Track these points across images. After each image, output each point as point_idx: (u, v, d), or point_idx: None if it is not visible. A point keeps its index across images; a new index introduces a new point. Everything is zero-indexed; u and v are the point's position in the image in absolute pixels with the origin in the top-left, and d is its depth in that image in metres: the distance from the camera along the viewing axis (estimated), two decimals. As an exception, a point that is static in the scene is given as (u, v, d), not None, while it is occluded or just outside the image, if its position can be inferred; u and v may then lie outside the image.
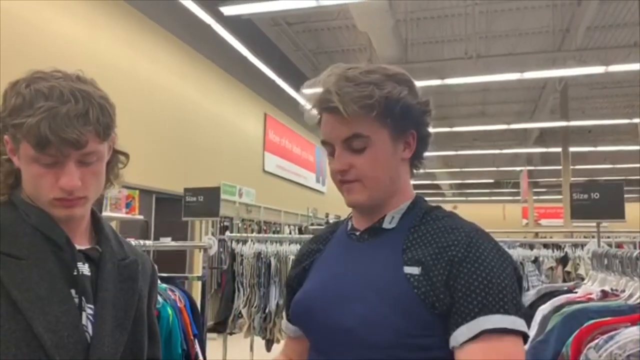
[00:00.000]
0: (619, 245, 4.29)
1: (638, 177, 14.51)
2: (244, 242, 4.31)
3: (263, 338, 4.14)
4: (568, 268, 4.30)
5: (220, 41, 6.66)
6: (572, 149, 12.64)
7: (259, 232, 8.88)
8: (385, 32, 7.81)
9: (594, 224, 3.19)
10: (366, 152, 0.96)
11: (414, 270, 0.90)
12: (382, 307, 0.89)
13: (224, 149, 8.60)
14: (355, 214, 1.07)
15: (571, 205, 3.12)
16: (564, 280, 4.09)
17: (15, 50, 4.53)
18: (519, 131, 14.71)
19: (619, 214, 3.00)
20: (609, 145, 14.72)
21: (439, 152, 15.26)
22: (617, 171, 17.51)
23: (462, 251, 0.90)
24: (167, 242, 3.46)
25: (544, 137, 15.21)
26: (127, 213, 4.55)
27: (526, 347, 1.50)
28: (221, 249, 6.09)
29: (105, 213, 4.23)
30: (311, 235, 1.24)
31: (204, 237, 3.64)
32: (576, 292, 1.89)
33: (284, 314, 1.20)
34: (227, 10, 5.82)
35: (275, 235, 7.81)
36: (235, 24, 6.59)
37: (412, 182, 1.08)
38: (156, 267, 1.19)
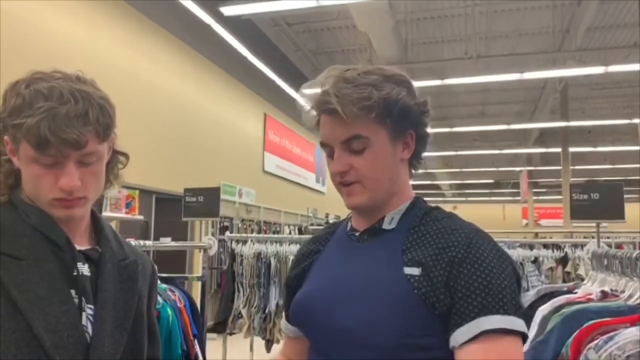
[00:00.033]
0: (619, 246, 4.29)
1: (638, 178, 14.51)
2: (244, 242, 4.31)
3: (263, 338, 4.14)
4: (568, 268, 4.30)
5: (220, 41, 6.66)
6: (572, 149, 12.64)
7: (259, 232, 8.88)
8: (385, 32, 7.81)
9: (594, 225, 3.19)
10: (365, 153, 0.97)
11: (414, 271, 0.91)
12: (382, 308, 0.89)
13: (223, 149, 8.60)
14: (355, 214, 1.07)
15: (571, 206, 3.12)
16: (564, 281, 4.09)
17: (15, 50, 4.53)
18: (519, 131, 14.71)
19: (619, 215, 3.00)
20: (608, 146, 14.73)
21: (439, 153, 15.27)
22: (617, 171, 17.52)
23: (462, 252, 0.90)
24: (167, 243, 3.46)
25: (543, 137, 15.22)
26: (127, 213, 4.56)
27: (526, 347, 1.51)
28: (221, 249, 6.09)
29: (105, 213, 4.23)
30: (311, 236, 1.24)
31: (203, 238, 3.65)
32: (576, 293, 1.89)
33: (283, 314, 1.20)
34: (227, 11, 5.82)
35: (275, 236, 7.81)
36: (235, 24, 6.59)
37: (412, 182, 1.08)
38: (156, 267, 1.19)
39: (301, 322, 1.04)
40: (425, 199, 1.07)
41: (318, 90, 0.98)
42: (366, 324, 0.89)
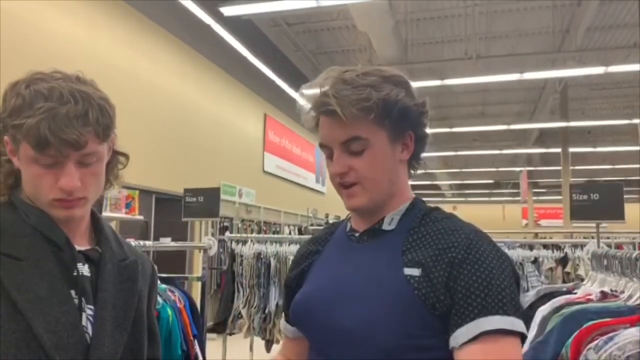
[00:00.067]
0: (619, 246, 4.29)
1: (638, 178, 14.51)
2: (244, 242, 4.31)
3: (263, 338, 4.14)
4: (568, 269, 4.30)
5: (220, 41, 6.66)
6: (571, 150, 12.64)
7: (259, 232, 8.88)
8: (385, 32, 7.82)
9: (594, 225, 3.19)
10: (365, 154, 0.97)
11: (414, 271, 0.91)
12: (382, 308, 0.89)
13: (223, 150, 8.60)
14: (354, 215, 1.07)
15: (571, 206, 3.12)
16: (564, 281, 4.09)
17: (15, 50, 4.53)
18: (519, 132, 14.72)
19: (619, 215, 3.00)
20: (608, 146, 14.73)
21: (438, 153, 15.27)
22: (617, 172, 17.52)
23: (462, 253, 0.90)
24: (166, 243, 3.46)
25: (543, 137, 15.22)
26: (127, 213, 4.55)
27: (525, 347, 1.51)
28: (221, 250, 6.09)
29: (105, 213, 4.23)
30: (310, 236, 1.24)
31: (203, 238, 3.65)
32: (576, 293, 1.89)
33: (283, 314, 1.20)
34: (227, 11, 5.82)
35: (275, 236, 7.81)
36: (235, 25, 6.59)
37: (412, 182, 1.08)
38: (156, 267, 1.19)
39: (301, 323, 1.04)
40: (425, 199, 1.08)
41: (317, 90, 0.99)
42: (366, 324, 0.89)
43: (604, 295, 1.71)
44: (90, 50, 5.53)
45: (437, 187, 22.93)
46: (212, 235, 5.59)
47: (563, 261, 4.36)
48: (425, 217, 1.01)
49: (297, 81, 8.81)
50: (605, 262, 1.86)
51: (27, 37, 4.80)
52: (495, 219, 20.97)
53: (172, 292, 2.52)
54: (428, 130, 1.04)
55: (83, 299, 0.93)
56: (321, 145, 1.02)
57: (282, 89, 8.72)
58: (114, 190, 1.11)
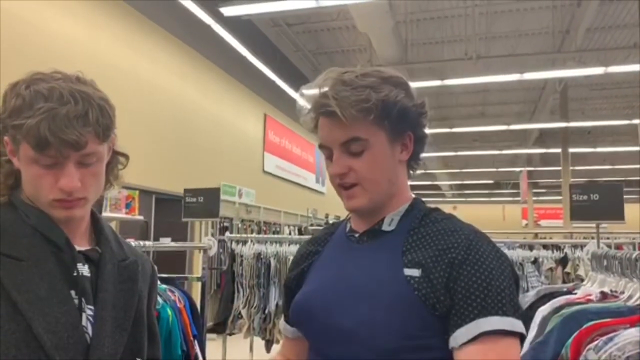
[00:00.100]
0: (619, 247, 4.30)
1: (637, 178, 14.52)
2: (244, 242, 4.31)
3: (263, 339, 4.14)
4: (567, 269, 4.30)
5: (220, 42, 6.66)
6: (571, 150, 12.65)
7: (259, 232, 8.88)
8: (385, 32, 7.82)
9: (594, 225, 3.19)
10: (364, 155, 0.97)
11: (414, 272, 0.91)
12: (382, 309, 0.90)
13: (223, 150, 8.60)
14: (354, 216, 1.07)
15: (571, 206, 3.12)
16: (564, 281, 4.09)
17: (15, 50, 4.53)
18: (519, 132, 14.72)
19: (619, 215, 3.00)
20: (608, 146, 14.73)
21: (438, 153, 15.27)
22: (617, 172, 17.53)
23: (462, 253, 0.91)
24: (166, 243, 3.46)
25: (543, 138, 15.22)
26: (126, 213, 4.55)
27: (525, 348, 1.51)
28: (221, 250, 6.09)
29: (105, 213, 4.23)
30: (310, 236, 1.24)
31: (203, 238, 3.65)
32: (575, 294, 1.89)
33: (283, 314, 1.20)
34: (227, 11, 5.82)
35: (275, 236, 7.81)
36: (235, 25, 6.59)
37: (412, 182, 1.08)
38: (156, 267, 1.19)
39: (301, 323, 1.04)
40: (425, 199, 1.08)
41: (317, 91, 0.99)
42: (366, 324, 0.90)
43: (603, 296, 1.71)
44: (90, 50, 5.53)
45: (437, 187, 22.94)
46: (212, 235, 5.59)
47: (563, 261, 4.36)
48: (425, 217, 1.01)
49: (297, 81, 8.81)
50: (605, 263, 1.86)
51: (27, 37, 4.80)
52: (495, 219, 20.98)
53: (172, 292, 2.52)
54: (427, 131, 1.04)
55: (83, 299, 0.93)
56: (321, 146, 1.02)
57: (282, 89, 8.73)
58: (114, 190, 1.11)
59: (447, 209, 1.05)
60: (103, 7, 5.80)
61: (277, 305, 4.06)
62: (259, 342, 4.23)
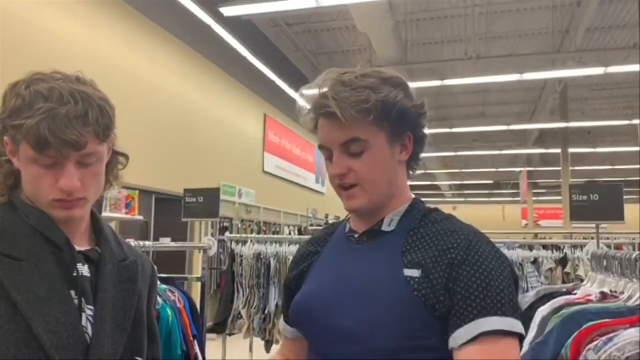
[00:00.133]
0: (618, 247, 4.30)
1: (637, 179, 14.52)
2: (244, 243, 4.31)
3: (262, 339, 4.14)
4: (567, 269, 4.30)
5: (220, 42, 6.66)
6: (571, 150, 12.65)
7: (259, 233, 8.88)
8: (385, 33, 7.82)
9: (594, 226, 3.19)
10: (364, 156, 0.97)
11: (414, 272, 0.91)
12: (382, 309, 0.90)
13: (223, 150, 8.60)
14: (354, 216, 1.07)
15: (571, 207, 3.12)
16: (564, 282, 4.09)
17: (15, 50, 4.53)
18: (519, 132, 14.72)
19: (619, 216, 3.00)
20: (608, 147, 14.73)
21: (438, 153, 15.27)
22: (617, 172, 17.52)
23: (461, 254, 0.91)
24: (166, 243, 3.46)
25: (543, 138, 15.22)
26: (126, 214, 4.55)
27: (525, 348, 1.51)
28: (221, 250, 6.09)
29: (105, 214, 4.23)
30: (310, 237, 1.24)
31: (203, 238, 3.65)
32: (575, 294, 1.89)
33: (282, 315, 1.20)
34: (227, 11, 5.82)
35: (275, 236, 7.81)
36: (235, 25, 6.59)
37: (412, 183, 1.09)
38: (156, 268, 1.19)
39: (301, 323, 1.04)
40: (425, 199, 1.08)
41: (316, 92, 0.99)
42: (366, 325, 0.90)
43: (603, 296, 1.71)
44: (90, 50, 5.53)
45: (437, 187, 22.94)
46: (212, 235, 5.59)
47: (563, 262, 4.36)
48: (424, 218, 1.01)
49: (297, 81, 8.82)
50: (605, 263, 1.86)
51: (27, 37, 4.81)
52: (495, 219, 20.97)
53: (172, 292, 2.52)
54: (427, 131, 1.04)
55: (83, 300, 0.93)
56: (320, 147, 1.02)
57: (282, 90, 8.73)
58: (114, 190, 1.11)
59: (447, 209, 1.05)
60: (103, 7, 5.80)
61: (277, 305, 4.06)
62: (259, 343, 4.23)
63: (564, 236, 8.78)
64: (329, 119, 0.97)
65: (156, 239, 4.34)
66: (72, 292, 0.92)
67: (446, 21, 8.99)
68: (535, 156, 17.22)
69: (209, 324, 3.93)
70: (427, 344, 0.88)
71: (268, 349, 4.12)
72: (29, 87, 0.91)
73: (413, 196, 1.07)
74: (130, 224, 5.25)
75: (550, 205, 22.56)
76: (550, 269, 4.38)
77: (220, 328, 4.21)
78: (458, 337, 0.85)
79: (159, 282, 1.55)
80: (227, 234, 5.68)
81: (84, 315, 0.92)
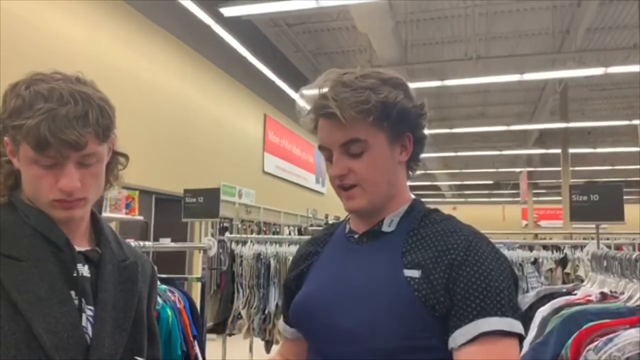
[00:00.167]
0: (618, 247, 4.29)
1: (637, 179, 14.51)
2: (244, 243, 4.31)
3: (262, 339, 4.14)
4: (567, 270, 4.30)
5: (220, 42, 6.66)
6: (571, 151, 12.65)
7: (259, 233, 8.88)
8: (385, 33, 7.82)
9: (594, 226, 3.19)
10: (364, 157, 0.97)
11: (414, 273, 0.91)
12: (382, 309, 0.90)
13: (223, 150, 8.60)
14: (354, 216, 1.07)
15: (570, 207, 3.12)
16: (564, 282, 4.09)
17: (15, 50, 4.53)
18: (519, 132, 14.72)
19: (619, 216, 3.00)
20: (608, 147, 14.73)
21: (438, 154, 15.27)
22: (617, 173, 17.53)
23: (461, 254, 0.91)
24: (166, 243, 3.46)
25: (543, 138, 15.22)
26: (126, 214, 4.55)
27: (525, 349, 1.51)
28: (221, 250, 6.08)
29: (105, 214, 4.23)
30: (310, 237, 1.24)
31: (203, 238, 3.65)
32: (575, 294, 1.89)
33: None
34: (227, 11, 5.82)
35: (275, 236, 7.81)
36: (235, 25, 6.59)
37: (412, 183, 1.09)
38: (156, 268, 1.19)
39: (300, 323, 1.04)
40: (425, 199, 1.08)
41: (316, 92, 0.99)
42: (366, 325, 0.90)
43: (603, 297, 1.71)
44: (89, 50, 5.53)
45: (437, 187, 22.94)
46: (212, 235, 5.59)
47: (563, 262, 4.36)
48: (424, 218, 1.01)
49: (297, 82, 8.81)
50: (605, 263, 1.86)
51: (27, 37, 4.81)
52: (495, 219, 20.97)
53: (172, 292, 2.52)
54: (427, 132, 1.04)
55: (83, 300, 0.93)
56: (320, 148, 1.02)
57: (282, 90, 8.73)
58: (113, 190, 1.11)
59: (447, 209, 1.05)
60: (103, 7, 5.80)
61: (276, 305, 4.06)
62: (259, 343, 4.22)
63: (564, 236, 8.78)
64: (329, 120, 0.97)
65: (156, 239, 4.34)
66: (72, 293, 0.92)
67: (446, 21, 8.98)
68: (535, 156, 17.22)
69: (209, 324, 3.93)
70: (427, 344, 0.88)
71: (268, 349, 4.12)
72: (29, 87, 0.91)
73: (413, 196, 1.07)
74: (130, 224, 5.25)
75: (550, 205, 22.57)
76: (550, 269, 4.38)
77: (220, 328, 4.21)
78: (457, 337, 0.86)
79: (159, 282, 1.55)
80: (227, 234, 5.68)
81: (84, 316, 0.92)
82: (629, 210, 3.28)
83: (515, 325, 0.86)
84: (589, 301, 1.71)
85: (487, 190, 23.61)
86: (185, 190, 3.69)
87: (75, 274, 0.94)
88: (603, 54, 9.09)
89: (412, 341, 0.88)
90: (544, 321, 1.67)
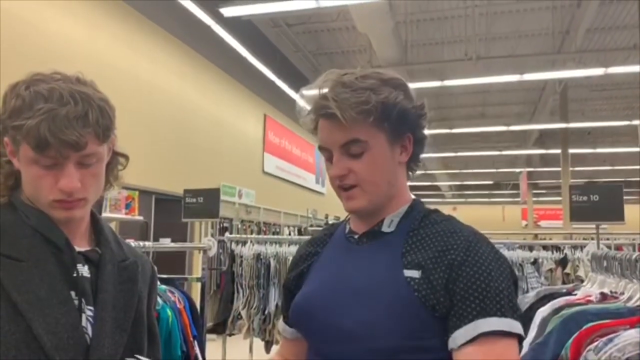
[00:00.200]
0: (618, 247, 4.29)
1: (637, 179, 14.51)
2: (244, 243, 4.31)
3: (262, 339, 4.14)
4: (567, 270, 4.30)
5: (220, 42, 6.66)
6: (571, 151, 12.65)
7: (259, 233, 8.88)
8: (385, 33, 7.82)
9: (594, 226, 3.19)
10: (364, 157, 0.97)
11: (414, 273, 0.91)
12: (382, 310, 0.90)
13: (223, 150, 8.60)
14: (354, 217, 1.07)
15: (570, 207, 3.12)
16: (564, 282, 4.09)
17: (15, 50, 4.53)
18: (519, 133, 14.72)
19: (618, 216, 3.00)
20: (608, 147, 14.74)
21: (438, 154, 15.27)
22: (617, 173, 17.53)
23: (461, 255, 0.91)
24: (166, 244, 3.46)
25: (543, 138, 15.23)
26: (126, 214, 4.55)
27: (525, 349, 1.51)
28: (220, 250, 6.08)
29: (105, 214, 4.22)
30: (309, 237, 1.24)
31: (203, 239, 3.65)
32: (575, 294, 1.89)
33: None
34: (227, 11, 5.82)
35: (275, 237, 7.81)
36: (235, 25, 6.59)
37: (412, 183, 1.09)
38: (156, 268, 1.19)
39: (300, 324, 1.04)
40: (425, 200, 1.08)
41: (317, 92, 0.99)
42: (366, 325, 0.90)
43: (603, 297, 1.71)
44: (89, 50, 5.53)
45: (437, 188, 22.94)
46: (212, 236, 5.59)
47: (563, 262, 4.36)
48: (424, 219, 1.01)
49: (297, 82, 8.81)
50: (605, 264, 1.86)
51: (27, 37, 4.81)
52: (495, 219, 20.98)
53: (172, 292, 2.52)
54: (427, 132, 1.04)
55: (83, 300, 0.93)
56: (320, 148, 1.02)
57: (282, 90, 8.73)
58: (113, 191, 1.11)
59: (446, 209, 1.05)
60: (103, 7, 5.80)
61: (276, 306, 4.06)
62: (259, 343, 4.22)
63: (564, 237, 8.77)
64: (329, 120, 0.97)
65: (156, 239, 4.34)
66: (72, 293, 0.92)
67: (446, 22, 8.99)
68: (535, 157, 17.22)
69: (209, 324, 3.93)
70: (427, 344, 0.88)
71: (268, 349, 4.12)
72: (28, 87, 0.91)
73: (413, 197, 1.07)
74: (130, 224, 5.25)
75: (550, 205, 22.57)
76: (550, 270, 4.38)
77: (220, 328, 4.21)
78: (457, 337, 0.86)
79: (158, 283, 1.55)
80: (227, 234, 5.68)
81: (83, 316, 0.92)
82: (629, 210, 3.28)
83: (515, 326, 0.86)
84: (589, 301, 1.71)
85: (487, 190, 23.62)
86: (185, 191, 3.69)
87: (75, 274, 0.94)
88: (603, 54, 9.09)
89: (412, 341, 0.88)
90: (544, 321, 1.67)
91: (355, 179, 0.98)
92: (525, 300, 2.02)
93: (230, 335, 4.27)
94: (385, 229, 1.00)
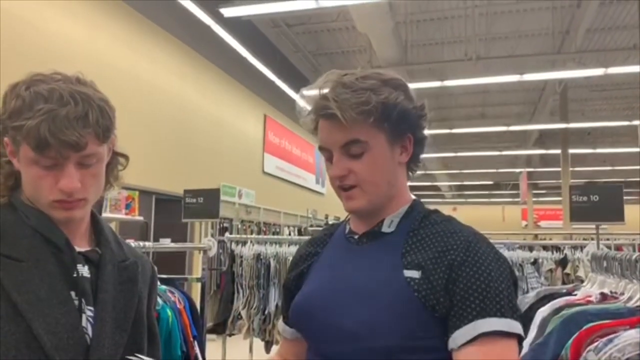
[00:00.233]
0: (618, 248, 4.29)
1: (637, 179, 14.51)
2: (244, 243, 4.31)
3: (262, 339, 4.14)
4: (567, 270, 4.29)
5: (220, 42, 6.66)
6: (571, 151, 12.65)
7: (259, 233, 8.87)
8: (385, 33, 7.82)
9: (594, 226, 3.19)
10: (364, 157, 0.97)
11: (414, 274, 0.91)
12: (382, 310, 0.90)
13: (223, 150, 8.60)
14: (354, 217, 1.07)
15: (570, 207, 3.12)
16: (564, 283, 4.09)
17: (15, 50, 4.53)
18: (519, 133, 14.72)
19: (618, 216, 3.00)
20: (608, 148, 14.73)
21: (438, 154, 15.27)
22: (617, 173, 17.53)
23: (461, 255, 0.91)
24: (166, 244, 3.45)
25: (543, 139, 15.23)
26: (126, 214, 4.55)
27: (525, 349, 1.51)
28: (220, 251, 6.08)
29: (105, 214, 4.22)
30: (309, 237, 1.24)
31: (203, 239, 3.65)
32: (575, 295, 1.89)
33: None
34: (227, 12, 5.82)
35: (275, 237, 7.81)
36: (235, 25, 6.59)
37: (412, 183, 1.09)
38: (156, 268, 1.19)
39: (300, 324, 1.05)
40: (425, 200, 1.08)
41: (317, 93, 0.99)
42: (366, 325, 0.90)
43: (603, 297, 1.71)
44: (89, 50, 5.53)
45: (436, 188, 22.94)
46: (212, 236, 5.58)
47: (563, 262, 4.36)
48: (424, 219, 1.01)
49: (297, 82, 8.82)
50: (605, 264, 1.86)
51: (27, 37, 4.81)
52: (494, 220, 20.98)
53: (172, 293, 2.52)
54: (427, 132, 1.05)
55: (83, 300, 0.93)
56: (320, 148, 1.02)
57: (282, 90, 8.73)
58: (113, 191, 1.11)
59: (446, 210, 1.05)
60: (103, 7, 5.80)
61: (276, 306, 4.05)
62: (259, 343, 4.22)
63: (564, 237, 8.76)
64: (329, 120, 0.97)
65: (156, 240, 4.34)
66: (72, 293, 0.92)
67: (446, 22, 8.99)
68: (535, 157, 17.22)
69: (209, 324, 3.93)
70: (427, 344, 0.88)
71: (268, 349, 4.12)
72: (29, 88, 0.91)
73: (413, 197, 1.07)
74: (130, 225, 5.25)
75: (550, 206, 22.58)
76: (550, 270, 4.37)
77: (220, 328, 4.21)
78: (457, 337, 0.86)
79: (158, 283, 1.55)
80: (227, 234, 5.67)
81: (83, 316, 0.92)
82: (629, 210, 3.28)
83: (515, 326, 0.86)
84: (589, 302, 1.71)
85: (486, 190, 23.62)
86: (185, 191, 3.69)
87: (75, 275, 0.94)
88: (603, 55, 9.09)
89: (412, 341, 0.88)
90: (544, 322, 1.67)
91: (355, 179, 0.98)
92: (525, 300, 2.02)
93: (230, 335, 4.27)
94: (385, 229, 1.01)
